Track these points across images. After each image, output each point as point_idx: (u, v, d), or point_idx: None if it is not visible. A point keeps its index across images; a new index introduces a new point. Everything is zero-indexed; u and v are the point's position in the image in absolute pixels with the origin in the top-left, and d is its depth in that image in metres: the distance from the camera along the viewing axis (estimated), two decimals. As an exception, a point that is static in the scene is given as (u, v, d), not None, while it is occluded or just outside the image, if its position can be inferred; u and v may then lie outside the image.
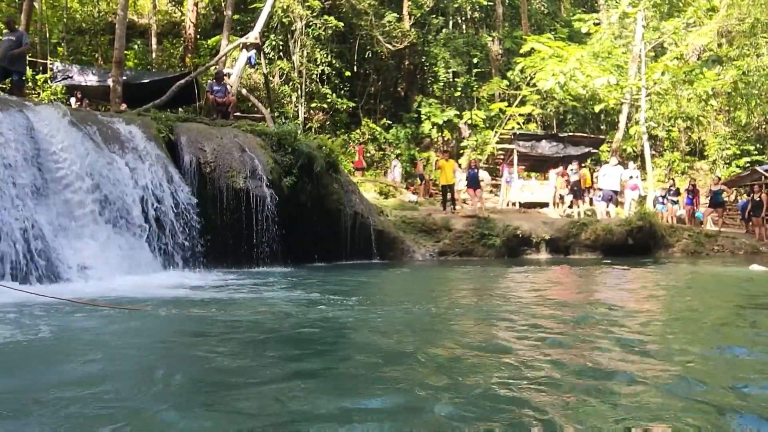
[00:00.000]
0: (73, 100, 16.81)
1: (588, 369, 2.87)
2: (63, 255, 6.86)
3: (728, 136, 26.57)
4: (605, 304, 5.60)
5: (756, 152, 25.40)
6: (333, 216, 11.23)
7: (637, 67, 21.83)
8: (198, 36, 25.62)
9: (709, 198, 18.51)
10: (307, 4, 23.26)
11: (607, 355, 3.20)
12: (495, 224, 13.83)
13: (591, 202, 17.96)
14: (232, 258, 9.41)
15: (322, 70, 23.99)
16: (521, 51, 23.70)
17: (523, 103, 24.94)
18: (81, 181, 7.54)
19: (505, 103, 25.37)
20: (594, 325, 4.17)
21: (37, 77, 17.28)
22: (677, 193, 18.65)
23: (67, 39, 24.76)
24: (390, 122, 26.00)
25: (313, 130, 21.65)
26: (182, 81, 15.35)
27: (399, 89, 28.46)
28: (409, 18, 26.81)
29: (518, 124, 24.82)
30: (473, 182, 15.58)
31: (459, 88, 26.46)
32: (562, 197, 18.54)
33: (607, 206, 16.66)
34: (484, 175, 17.48)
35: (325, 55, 23.96)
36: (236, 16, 23.32)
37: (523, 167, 22.22)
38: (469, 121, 25.80)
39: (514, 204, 19.57)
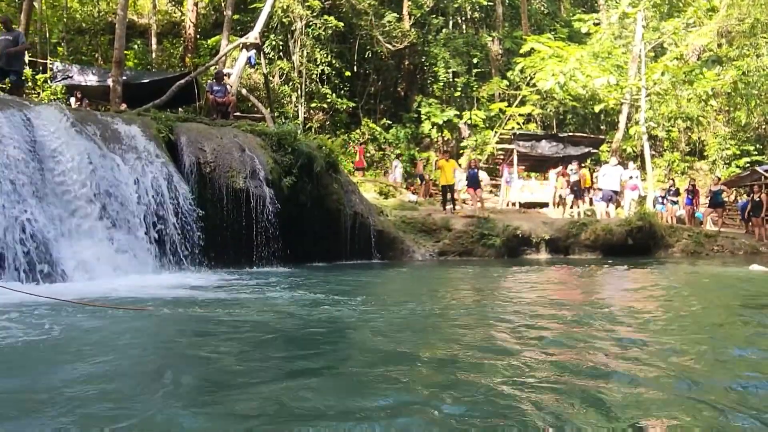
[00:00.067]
0: (72, 100, 16.81)
1: (588, 369, 2.87)
2: (63, 255, 6.86)
3: (728, 137, 26.58)
4: (605, 304, 5.60)
5: (756, 152, 25.42)
6: (333, 216, 11.23)
7: (637, 68, 21.84)
8: (198, 36, 25.63)
9: (708, 198, 18.52)
10: (307, 4, 23.26)
11: (607, 355, 3.20)
12: (495, 224, 13.83)
13: (591, 203, 17.97)
14: (231, 258, 9.41)
15: (322, 70, 24.00)
16: (521, 51, 23.72)
17: (522, 103, 24.95)
18: (81, 182, 7.54)
19: (505, 103, 25.39)
20: (594, 325, 4.17)
21: (37, 77, 17.27)
22: (677, 193, 18.65)
23: (67, 39, 24.77)
24: (390, 122, 26.01)
25: (313, 130, 21.67)
26: (182, 81, 15.35)
27: (399, 89, 28.47)
28: (409, 18, 26.82)
29: (518, 124, 24.84)
30: (473, 182, 15.60)
31: (459, 88, 26.47)
32: (562, 198, 18.52)
33: (607, 206, 16.67)
34: (482, 176, 17.48)
35: (325, 55, 23.97)
36: (236, 16, 23.32)
37: (523, 167, 22.24)
38: (469, 121, 25.82)
39: (513, 204, 19.59)
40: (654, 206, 18.18)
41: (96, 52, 25.46)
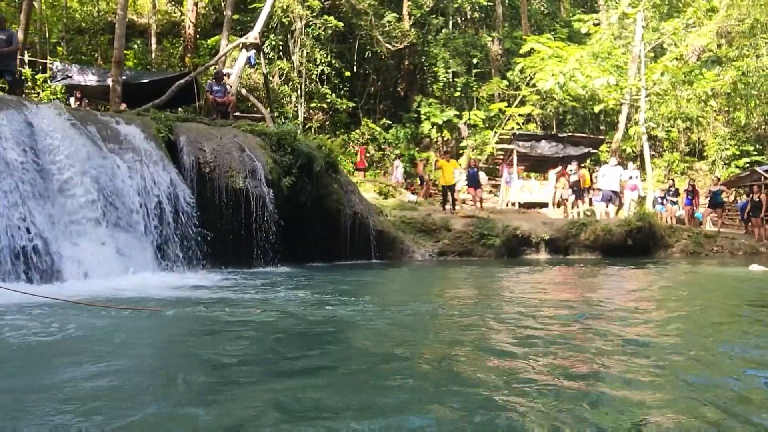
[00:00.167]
0: (72, 99, 16.80)
1: (587, 369, 2.88)
2: (63, 255, 6.86)
3: (727, 137, 26.59)
4: (604, 304, 5.60)
5: (755, 153, 25.43)
6: (333, 216, 11.23)
7: (637, 68, 21.85)
8: (198, 36, 25.62)
9: (708, 198, 18.53)
10: (307, 4, 23.26)
11: (606, 355, 3.20)
12: (494, 224, 13.83)
13: (590, 203, 17.98)
14: (231, 258, 9.40)
15: (322, 70, 24.00)
16: (521, 51, 23.72)
17: (522, 103, 24.96)
18: (80, 181, 7.53)
19: (505, 104, 25.39)
20: (593, 325, 4.18)
21: (37, 77, 17.26)
22: (676, 193, 18.65)
23: (66, 38, 24.77)
24: (390, 122, 26.02)
25: (312, 130, 21.68)
26: (182, 81, 15.34)
27: (399, 89, 28.48)
28: (409, 18, 26.82)
29: (518, 124, 24.85)
30: (473, 182, 15.60)
31: (459, 88, 26.48)
32: (564, 198, 18.51)
33: (607, 206, 16.68)
34: (481, 176, 17.49)
35: (325, 55, 23.97)
36: (236, 16, 23.32)
37: (523, 167, 22.25)
38: (469, 121, 25.83)
39: (513, 204, 19.59)
40: (653, 206, 18.18)
41: (96, 52, 25.46)
